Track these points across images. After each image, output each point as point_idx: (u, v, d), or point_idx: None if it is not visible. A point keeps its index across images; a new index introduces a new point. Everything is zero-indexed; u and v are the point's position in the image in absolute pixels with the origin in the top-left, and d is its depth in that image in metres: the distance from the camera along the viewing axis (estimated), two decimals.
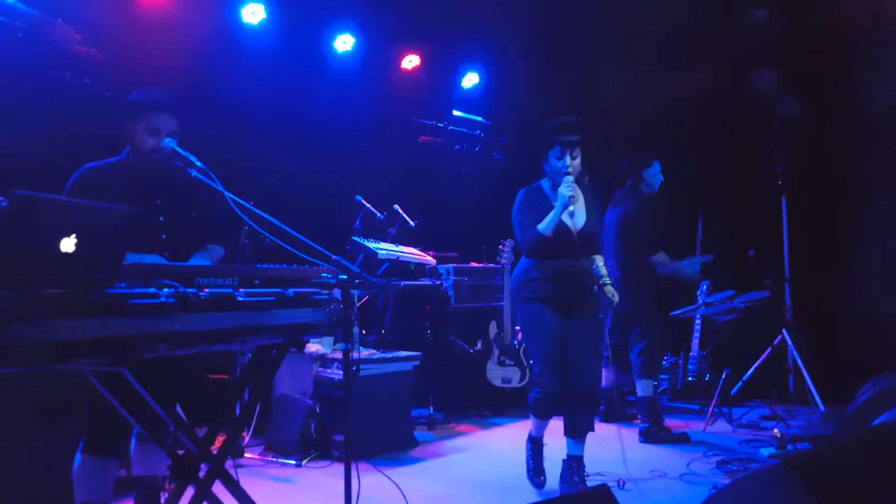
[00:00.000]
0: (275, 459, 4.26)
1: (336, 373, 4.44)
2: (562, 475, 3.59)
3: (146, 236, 2.58)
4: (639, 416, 4.92)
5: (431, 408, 5.27)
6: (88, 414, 2.48)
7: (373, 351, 4.77)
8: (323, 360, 4.63)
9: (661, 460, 4.16)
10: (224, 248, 2.90)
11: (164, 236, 2.66)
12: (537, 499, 3.54)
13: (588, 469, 3.58)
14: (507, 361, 5.67)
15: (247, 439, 4.52)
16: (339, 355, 4.54)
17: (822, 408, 5.24)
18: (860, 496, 1.24)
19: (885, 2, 5.47)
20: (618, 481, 3.64)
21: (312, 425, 4.33)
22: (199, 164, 2.52)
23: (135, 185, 2.66)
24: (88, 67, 4.29)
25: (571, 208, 3.42)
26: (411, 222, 5.40)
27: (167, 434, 2.26)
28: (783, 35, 6.03)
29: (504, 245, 5.82)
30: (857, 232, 5.57)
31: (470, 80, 6.99)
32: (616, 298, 3.64)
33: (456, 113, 6.53)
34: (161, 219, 2.68)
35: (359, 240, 4.84)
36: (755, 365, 5.50)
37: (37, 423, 3.10)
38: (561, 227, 3.48)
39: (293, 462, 4.19)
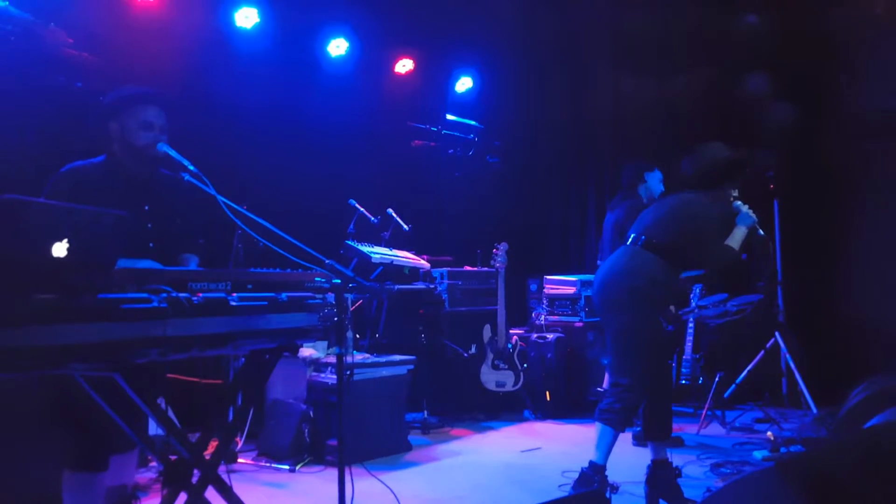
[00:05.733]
0: (268, 464, 4.25)
1: (329, 377, 4.43)
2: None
3: (134, 242, 2.49)
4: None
5: (425, 412, 5.27)
6: (69, 430, 2.43)
7: (366, 355, 4.76)
8: (316, 365, 4.62)
9: None
10: (199, 259, 2.82)
11: (151, 244, 2.60)
12: (532, 502, 3.53)
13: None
14: (501, 365, 5.66)
15: (240, 444, 4.50)
16: (332, 360, 4.53)
17: (814, 410, 5.26)
18: (853, 499, 1.25)
19: (873, 6, 5.50)
20: (611, 485, 3.63)
21: (306, 430, 4.32)
22: (192, 168, 2.48)
23: (122, 188, 2.59)
24: (81, 71, 4.28)
25: None
26: (405, 226, 5.39)
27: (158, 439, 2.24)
28: (773, 40, 6.06)
29: (498, 249, 5.83)
30: (849, 235, 5.60)
31: (464, 84, 7.01)
32: None
33: (450, 117, 6.54)
34: (149, 225, 2.62)
35: (352, 244, 4.84)
36: (748, 368, 5.52)
37: (26, 434, 3.06)
38: None
39: (286, 467, 4.17)
